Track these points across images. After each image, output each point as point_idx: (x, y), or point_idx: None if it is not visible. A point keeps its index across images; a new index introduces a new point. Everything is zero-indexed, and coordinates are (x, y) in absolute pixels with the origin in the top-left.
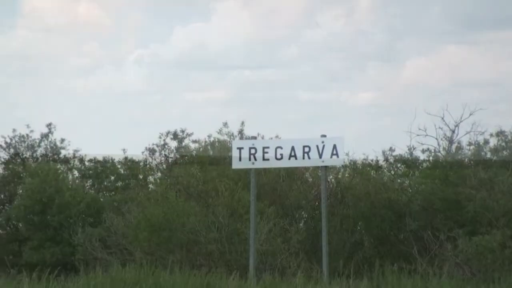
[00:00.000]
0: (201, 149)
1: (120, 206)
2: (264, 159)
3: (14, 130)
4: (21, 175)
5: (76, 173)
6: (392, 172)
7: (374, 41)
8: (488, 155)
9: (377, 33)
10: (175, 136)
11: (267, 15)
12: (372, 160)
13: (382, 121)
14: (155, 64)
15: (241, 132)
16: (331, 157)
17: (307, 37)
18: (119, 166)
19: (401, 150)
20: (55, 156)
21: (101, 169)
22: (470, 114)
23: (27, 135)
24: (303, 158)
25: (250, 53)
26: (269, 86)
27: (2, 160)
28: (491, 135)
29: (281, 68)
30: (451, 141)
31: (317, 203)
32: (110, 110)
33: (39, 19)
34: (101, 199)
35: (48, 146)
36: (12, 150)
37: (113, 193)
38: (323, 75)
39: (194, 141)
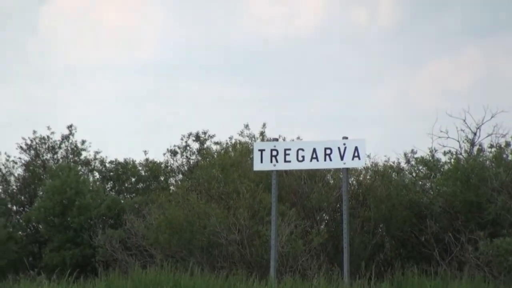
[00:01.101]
0: (222, 151)
1: (141, 208)
2: (285, 161)
3: (34, 132)
4: (42, 176)
5: (97, 174)
6: (414, 174)
7: (395, 41)
8: (510, 157)
9: (398, 33)
10: (197, 137)
11: (289, 13)
12: (393, 162)
13: (404, 123)
14: (174, 64)
15: (262, 134)
16: (352, 159)
17: (329, 37)
18: (140, 168)
19: (422, 152)
20: (76, 158)
21: (122, 170)
22: (492, 117)
23: (48, 136)
24: (325, 160)
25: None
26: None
27: (23, 161)
28: None
29: (302, 66)
30: (472, 144)
31: (338, 205)
32: (131, 111)
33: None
34: (122, 201)
35: (69, 148)
36: (32, 152)
37: (134, 195)
38: (344, 75)
39: (216, 143)
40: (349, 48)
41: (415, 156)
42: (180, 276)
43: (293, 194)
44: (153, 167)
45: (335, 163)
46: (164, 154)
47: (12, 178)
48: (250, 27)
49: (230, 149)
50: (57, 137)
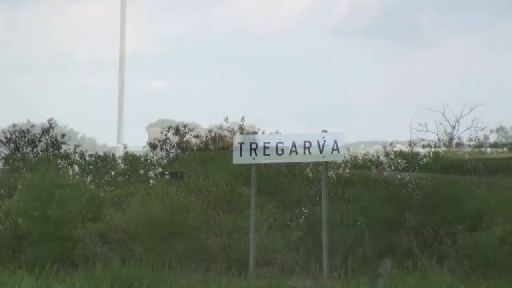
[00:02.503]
0: (202, 144)
1: (121, 201)
2: (265, 154)
3: (14, 125)
4: (21, 170)
5: (76, 168)
6: (393, 168)
7: (376, 34)
8: (488, 150)
9: (379, 26)
10: (177, 131)
11: (271, 4)
12: (372, 156)
13: (384, 116)
14: (154, 56)
15: (241, 127)
16: (331, 152)
17: (310, 32)
18: (119, 161)
19: (401, 145)
20: (56, 151)
21: (102, 164)
22: (471, 110)
23: (28, 130)
24: (304, 153)
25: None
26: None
27: (2, 155)
28: (492, 131)
29: (282, 59)
30: (451, 137)
31: (317, 199)
32: (111, 104)
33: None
34: (102, 194)
35: (49, 141)
36: (12, 145)
37: (113, 188)
38: (325, 68)
39: (196, 136)
40: (330, 41)
41: (394, 149)
42: (160, 270)
43: (273, 187)
44: (132, 160)
45: (314, 156)
46: (143, 147)
47: None
48: (232, 18)
49: (210, 142)
50: (37, 130)
